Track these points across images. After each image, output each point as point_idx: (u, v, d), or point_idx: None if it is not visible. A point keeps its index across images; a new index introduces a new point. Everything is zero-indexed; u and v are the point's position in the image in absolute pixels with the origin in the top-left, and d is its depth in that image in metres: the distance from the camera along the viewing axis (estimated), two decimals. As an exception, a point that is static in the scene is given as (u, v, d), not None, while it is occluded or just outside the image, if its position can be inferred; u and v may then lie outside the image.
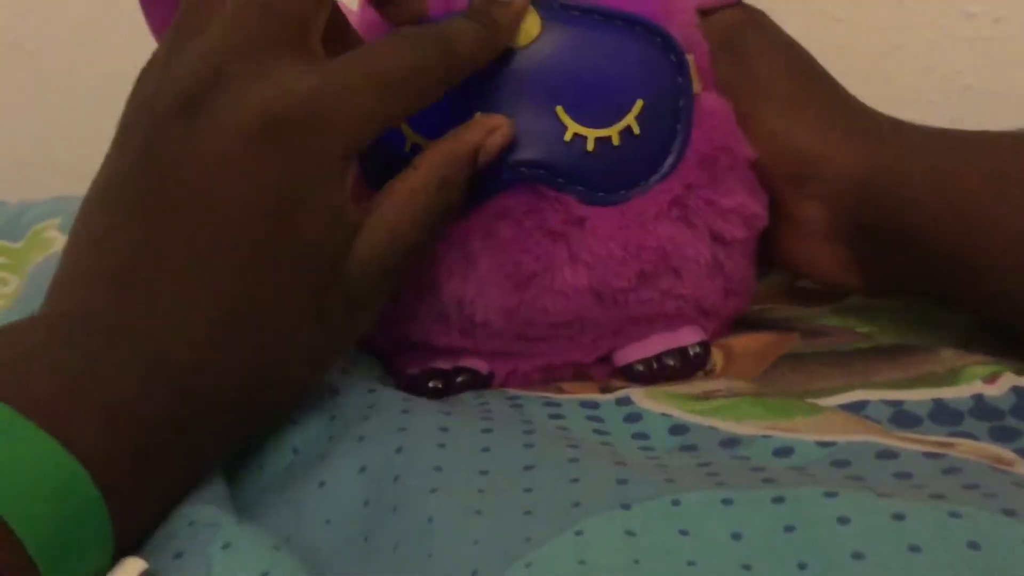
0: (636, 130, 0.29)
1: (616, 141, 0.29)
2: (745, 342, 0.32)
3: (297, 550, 0.22)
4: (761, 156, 0.32)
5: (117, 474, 0.21)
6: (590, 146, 0.29)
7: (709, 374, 0.31)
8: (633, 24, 0.29)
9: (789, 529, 0.20)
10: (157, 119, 0.23)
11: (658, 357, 0.31)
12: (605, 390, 0.30)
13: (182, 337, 0.23)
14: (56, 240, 0.51)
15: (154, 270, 0.23)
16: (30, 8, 0.78)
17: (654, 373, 0.31)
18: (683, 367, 0.31)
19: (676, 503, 0.21)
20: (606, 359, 0.31)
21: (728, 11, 0.34)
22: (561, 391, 0.30)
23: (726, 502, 0.21)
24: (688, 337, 0.31)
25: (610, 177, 0.29)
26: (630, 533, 0.20)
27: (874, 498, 0.20)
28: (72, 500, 0.19)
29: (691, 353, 0.31)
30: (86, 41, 0.77)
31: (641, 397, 0.28)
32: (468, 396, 0.29)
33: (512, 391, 0.30)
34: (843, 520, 0.20)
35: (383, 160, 0.28)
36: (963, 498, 0.21)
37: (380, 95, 0.24)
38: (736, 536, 0.20)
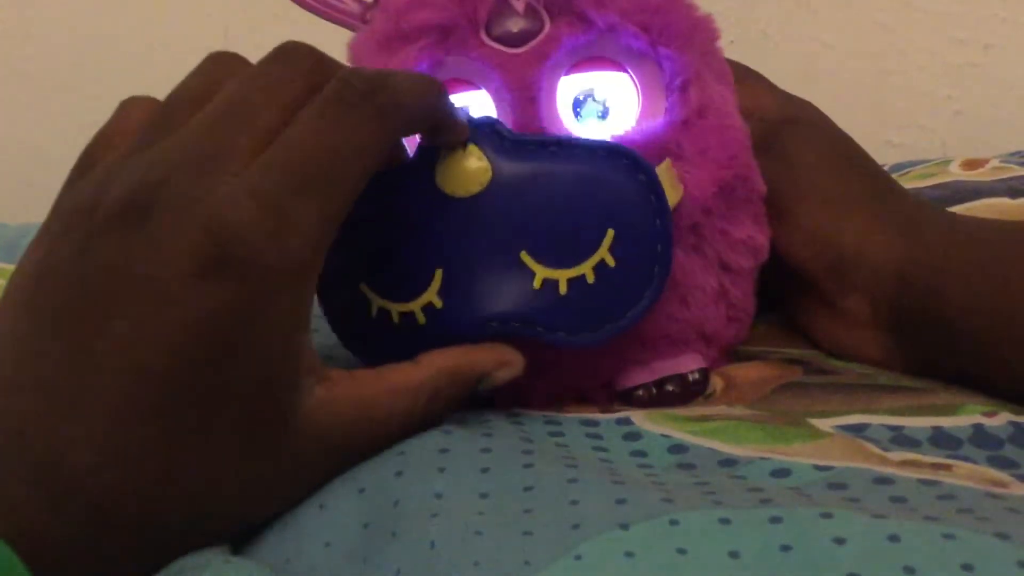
0: (611, 262, 0.27)
1: (591, 279, 0.27)
2: (746, 371, 0.33)
3: (296, 573, 0.22)
4: (802, 251, 0.33)
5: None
6: (563, 289, 0.27)
7: (708, 399, 0.32)
8: (593, 150, 0.27)
9: (786, 548, 0.20)
10: (96, 225, 0.22)
11: (658, 382, 0.31)
12: (605, 412, 0.30)
13: (94, 466, 0.21)
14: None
15: (75, 383, 0.21)
16: (34, 33, 0.79)
17: (654, 398, 0.31)
18: (683, 393, 0.31)
19: (675, 523, 0.21)
20: (606, 385, 0.32)
21: (774, 104, 0.35)
22: (562, 411, 0.30)
23: (724, 521, 0.21)
24: (688, 364, 0.31)
25: (589, 316, 0.27)
26: (629, 554, 0.20)
27: (869, 519, 0.20)
28: None
29: (690, 379, 0.31)
30: (90, 66, 0.77)
31: (641, 418, 0.28)
32: (468, 414, 0.29)
33: (512, 411, 0.30)
34: (839, 540, 0.20)
35: (352, 325, 0.28)
36: (957, 521, 0.21)
37: (320, 198, 0.22)
38: (734, 555, 0.20)
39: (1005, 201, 0.44)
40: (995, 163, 0.49)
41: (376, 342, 0.28)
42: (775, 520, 0.21)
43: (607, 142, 0.28)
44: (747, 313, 0.33)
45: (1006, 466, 0.25)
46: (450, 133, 0.27)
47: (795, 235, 0.33)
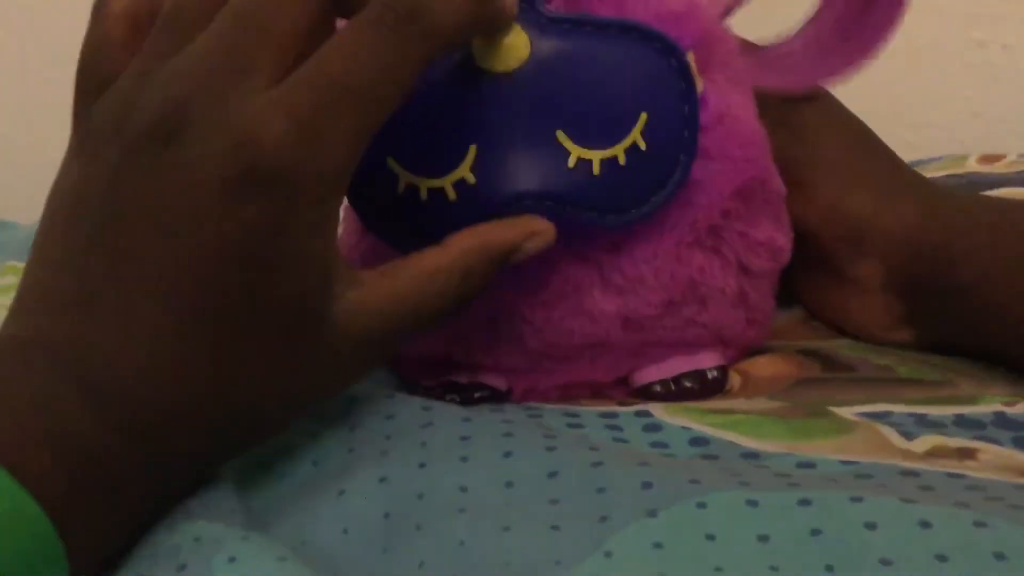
0: (643, 146, 0.27)
1: (623, 160, 0.27)
2: (762, 367, 0.33)
3: (311, 556, 0.22)
4: (817, 220, 0.34)
5: (70, 502, 0.20)
6: (596, 169, 0.27)
7: (726, 394, 0.31)
8: (628, 31, 0.27)
9: (816, 532, 0.20)
10: (125, 144, 0.22)
11: (676, 379, 0.31)
12: (623, 405, 0.30)
13: (136, 374, 0.22)
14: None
15: (115, 302, 0.22)
16: (46, 34, 0.80)
17: (672, 394, 0.30)
18: (701, 389, 0.31)
19: (702, 505, 0.21)
20: (624, 380, 0.31)
21: None
22: (579, 404, 0.30)
23: (751, 503, 0.21)
24: (707, 360, 0.31)
25: (620, 197, 0.27)
26: (658, 545, 0.20)
27: (900, 504, 0.20)
28: (23, 530, 0.19)
29: (709, 376, 0.31)
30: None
31: (660, 411, 0.28)
32: (486, 407, 0.29)
33: (530, 404, 0.30)
34: (870, 525, 0.20)
35: (376, 203, 0.27)
36: (988, 508, 0.21)
37: (352, 114, 0.22)
38: (763, 539, 0.20)
39: (1022, 191, 0.44)
40: (1012, 158, 0.49)
41: (400, 220, 0.27)
42: (804, 503, 0.20)
43: (641, 24, 0.28)
44: (766, 315, 0.33)
45: None
46: (495, 24, 0.26)
47: (810, 204, 0.33)
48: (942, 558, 0.19)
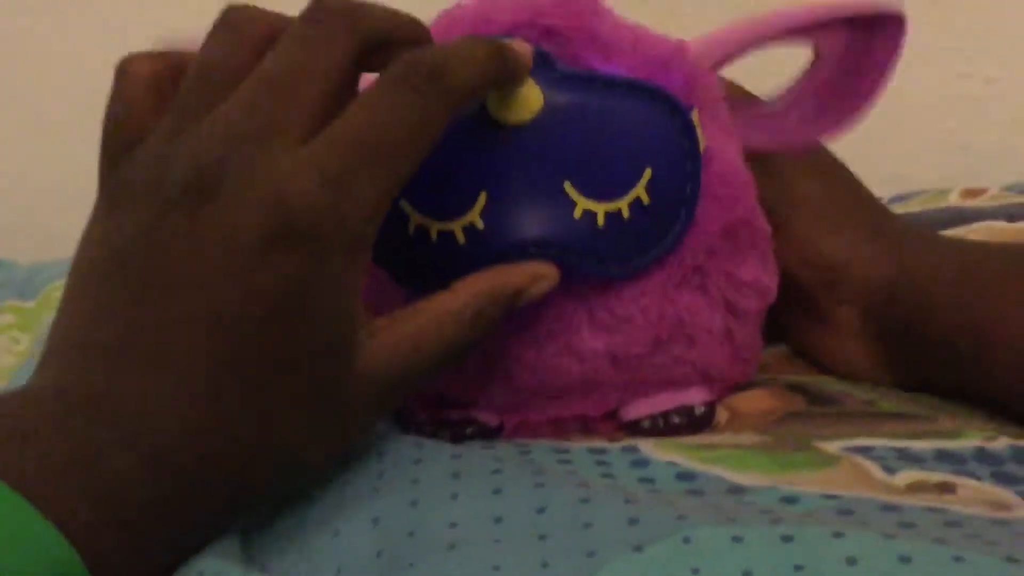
0: (646, 200, 0.28)
1: (626, 214, 0.28)
2: (749, 402, 0.33)
3: None
4: (795, 263, 0.34)
5: (107, 554, 0.21)
6: (600, 221, 0.28)
7: (713, 428, 0.32)
8: (636, 89, 0.28)
9: (798, 568, 0.20)
10: (162, 202, 0.23)
11: (664, 414, 0.31)
12: (612, 441, 0.30)
13: (180, 424, 0.22)
14: (67, 299, 0.52)
15: (153, 354, 0.22)
16: (45, 74, 0.80)
17: (660, 430, 0.31)
18: (689, 425, 0.31)
19: (687, 540, 0.21)
20: (613, 413, 0.32)
21: None
22: (569, 440, 0.30)
23: (736, 540, 0.21)
24: (695, 396, 0.32)
25: (621, 249, 0.28)
26: None
27: (880, 539, 0.20)
28: None
29: (697, 412, 0.31)
30: (96, 104, 0.78)
31: (648, 446, 0.29)
32: (477, 444, 0.30)
33: (520, 440, 0.30)
34: (851, 561, 0.20)
35: (387, 241, 0.28)
36: (966, 545, 0.21)
37: (380, 171, 0.23)
38: (747, 574, 0.20)
39: (1002, 224, 0.45)
40: (995, 191, 0.50)
41: (410, 259, 0.28)
42: (787, 539, 0.21)
43: (649, 84, 0.29)
44: (753, 353, 0.33)
45: (1010, 482, 0.26)
46: (512, 80, 0.27)
47: (788, 247, 0.34)
48: (921, 592, 0.19)
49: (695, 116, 0.29)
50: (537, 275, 0.27)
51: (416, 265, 0.28)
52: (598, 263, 0.28)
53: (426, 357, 0.26)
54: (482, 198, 0.27)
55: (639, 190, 0.28)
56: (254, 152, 0.23)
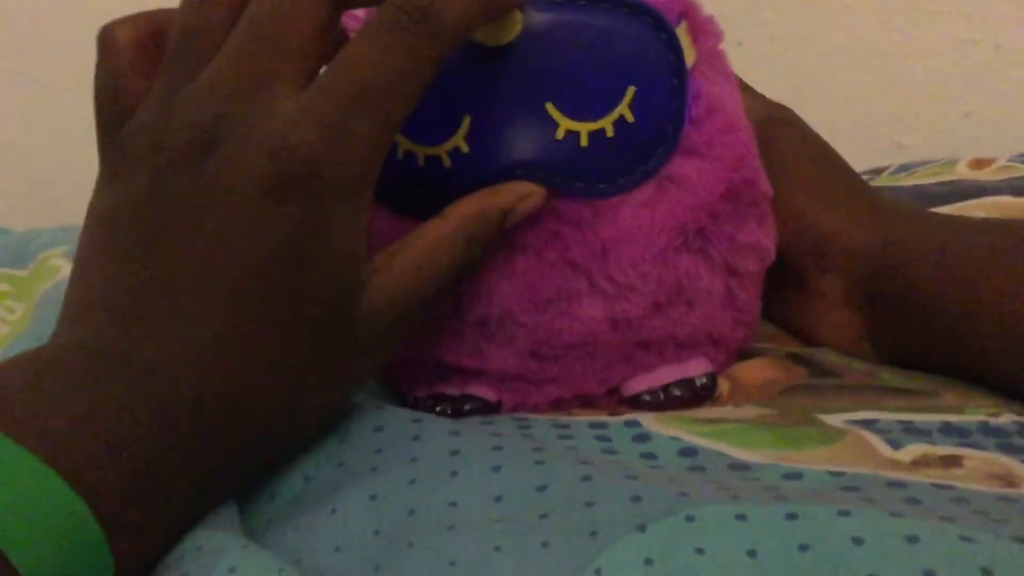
0: (630, 118, 0.28)
1: (610, 133, 0.28)
2: (752, 374, 0.33)
3: (306, 574, 0.22)
4: (785, 234, 0.34)
5: (121, 509, 0.21)
6: (584, 141, 0.28)
7: (715, 401, 0.31)
8: (618, 5, 0.28)
9: (804, 548, 0.20)
10: (163, 161, 0.24)
11: (665, 388, 0.31)
12: (613, 415, 0.30)
13: (190, 374, 0.23)
14: (62, 268, 0.52)
15: (164, 307, 0.23)
16: (40, 40, 0.79)
17: (661, 403, 0.31)
18: (690, 398, 0.31)
19: (691, 519, 0.21)
20: (614, 391, 0.31)
21: (757, 105, 0.36)
22: (569, 415, 0.30)
23: (740, 517, 0.21)
24: (695, 368, 0.31)
25: (607, 168, 0.28)
26: (648, 562, 0.20)
27: (887, 517, 0.20)
28: (74, 537, 0.20)
29: (698, 384, 0.31)
30: (92, 70, 0.77)
31: (649, 420, 0.28)
32: (476, 419, 0.29)
33: (519, 415, 0.30)
34: (857, 540, 0.20)
35: (397, 175, 0.28)
36: (973, 522, 0.21)
37: (375, 115, 0.24)
38: (751, 554, 0.20)
39: (1007, 199, 0.44)
40: (1001, 163, 0.49)
41: (400, 186, 0.28)
42: (791, 517, 0.20)
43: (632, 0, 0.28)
44: (754, 316, 0.33)
45: (1015, 452, 0.26)
46: (502, 12, 0.27)
47: (777, 216, 0.34)
48: (929, 574, 0.19)
49: (682, 31, 0.29)
50: (523, 194, 0.27)
51: (406, 191, 0.29)
52: (584, 184, 0.28)
53: (425, 286, 0.26)
54: (466, 122, 0.28)
55: (622, 108, 0.28)
56: (249, 105, 0.23)
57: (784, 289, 0.36)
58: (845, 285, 0.34)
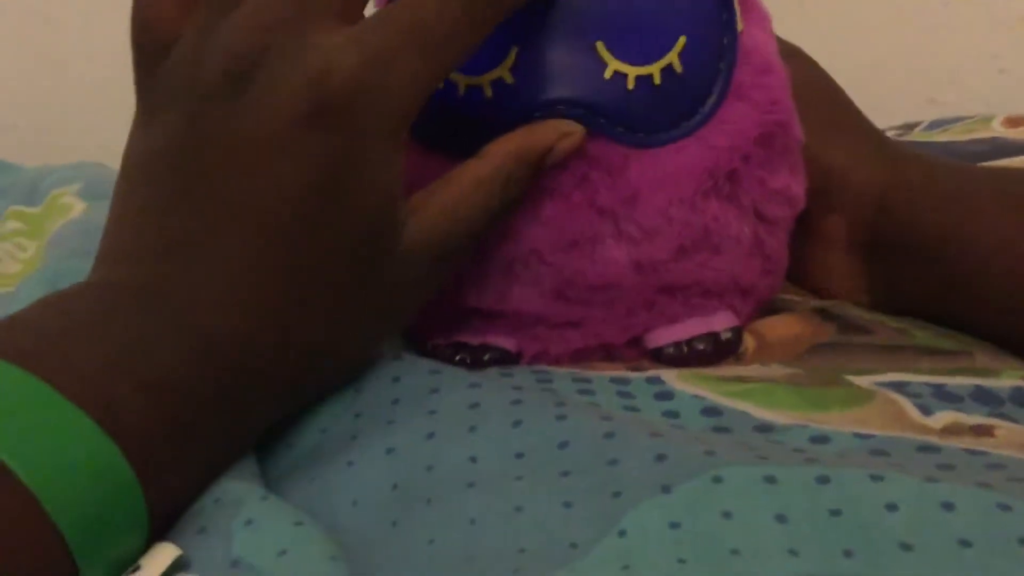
0: (678, 68, 0.28)
1: (657, 80, 0.27)
2: (778, 330, 0.32)
3: (323, 528, 0.22)
4: None
5: (156, 453, 0.20)
6: (630, 84, 0.27)
7: (740, 358, 0.31)
8: None
9: (835, 513, 0.19)
10: (198, 97, 0.23)
11: (689, 341, 0.30)
12: (635, 370, 0.29)
13: (229, 312, 0.23)
14: (73, 206, 0.51)
15: (202, 244, 0.23)
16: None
17: (685, 357, 0.30)
18: (715, 352, 0.30)
19: (718, 480, 0.20)
20: (636, 342, 0.31)
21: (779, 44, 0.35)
22: (590, 368, 0.29)
23: (769, 479, 0.20)
24: (721, 322, 0.31)
25: (651, 117, 0.28)
26: (674, 525, 0.19)
27: (921, 483, 0.20)
28: (108, 482, 0.19)
29: (723, 338, 0.30)
30: (105, 6, 0.76)
31: (672, 377, 0.27)
32: (495, 370, 0.29)
33: (539, 367, 0.29)
34: (891, 506, 0.19)
35: (434, 105, 0.27)
36: (1011, 489, 0.20)
37: (425, 56, 0.23)
38: (781, 518, 0.19)
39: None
40: (1037, 120, 0.48)
41: (438, 116, 0.28)
42: (822, 480, 0.20)
43: None
44: (781, 264, 0.32)
45: None
46: None
47: None
48: (965, 543, 0.18)
49: None
50: (564, 132, 0.27)
51: (443, 123, 0.28)
52: (624, 130, 0.28)
53: (464, 227, 0.26)
54: (512, 53, 0.27)
55: (672, 56, 0.28)
56: (290, 35, 0.23)
57: None
58: (848, 227, 0.34)
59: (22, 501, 0.18)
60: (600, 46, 0.27)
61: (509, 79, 0.27)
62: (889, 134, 0.38)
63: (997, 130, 0.48)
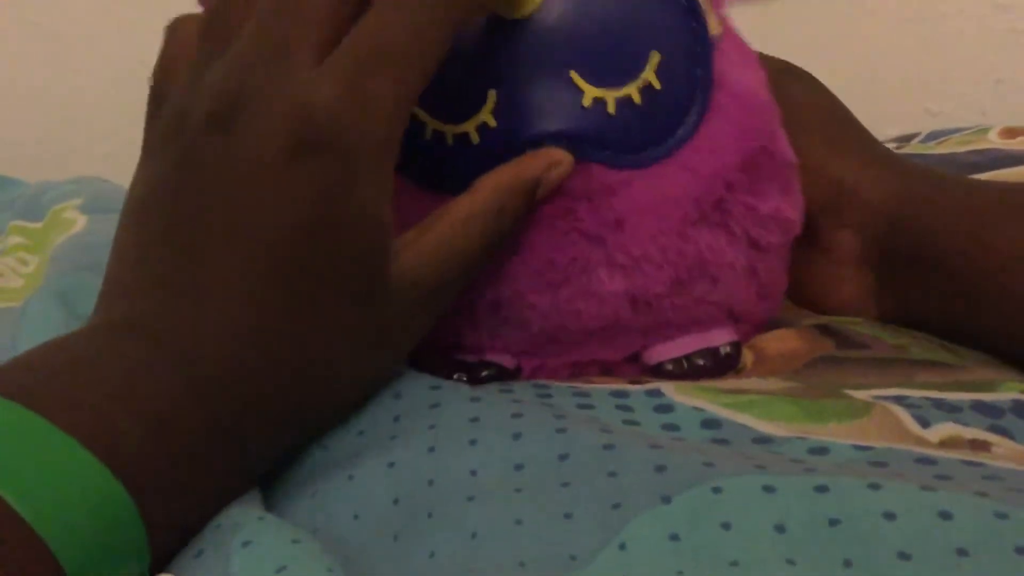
0: (656, 85, 0.28)
1: (637, 99, 0.28)
2: (777, 345, 0.32)
3: (323, 543, 0.22)
4: (802, 188, 0.34)
5: (157, 484, 0.21)
6: (611, 108, 0.27)
7: (739, 372, 0.31)
8: None
9: (834, 523, 0.19)
10: (189, 135, 0.24)
11: (688, 357, 0.30)
12: (634, 383, 0.29)
13: (224, 344, 0.23)
14: (76, 221, 0.51)
15: (196, 280, 0.23)
16: (51, -11, 0.78)
17: (684, 372, 0.30)
18: (714, 367, 0.30)
19: (717, 490, 0.20)
20: (635, 357, 0.31)
21: (770, 61, 0.36)
22: (590, 383, 0.29)
23: (768, 489, 0.20)
24: (719, 337, 0.31)
25: (636, 137, 0.28)
26: (674, 537, 0.19)
27: (919, 491, 0.20)
28: (107, 515, 0.19)
29: (722, 353, 0.30)
30: (106, 20, 0.76)
31: (672, 390, 0.28)
32: (494, 385, 0.29)
33: (539, 381, 0.29)
34: (889, 516, 0.19)
35: (407, 151, 0.27)
36: (1008, 499, 0.20)
37: (397, 77, 0.24)
38: (779, 528, 0.19)
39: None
40: (1034, 132, 0.48)
41: (430, 166, 0.28)
42: (821, 489, 0.20)
43: None
44: (778, 289, 0.32)
45: None
46: None
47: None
48: (962, 552, 0.18)
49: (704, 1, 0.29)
50: (552, 162, 0.27)
51: (436, 171, 0.28)
52: (612, 153, 0.28)
53: (458, 261, 0.26)
54: (492, 96, 0.27)
55: (648, 74, 0.28)
56: (270, 72, 0.23)
57: (795, 244, 0.35)
58: (859, 241, 0.34)
59: (21, 535, 0.18)
60: (575, 75, 0.27)
61: (492, 122, 0.27)
62: (888, 145, 0.38)
63: (994, 141, 0.48)
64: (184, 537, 0.22)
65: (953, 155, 0.47)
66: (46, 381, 0.21)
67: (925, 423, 0.26)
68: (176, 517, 0.21)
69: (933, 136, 0.52)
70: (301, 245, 0.23)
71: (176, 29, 0.27)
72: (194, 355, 0.22)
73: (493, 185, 0.26)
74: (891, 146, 0.52)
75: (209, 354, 0.22)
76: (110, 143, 0.72)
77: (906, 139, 0.53)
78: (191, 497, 0.22)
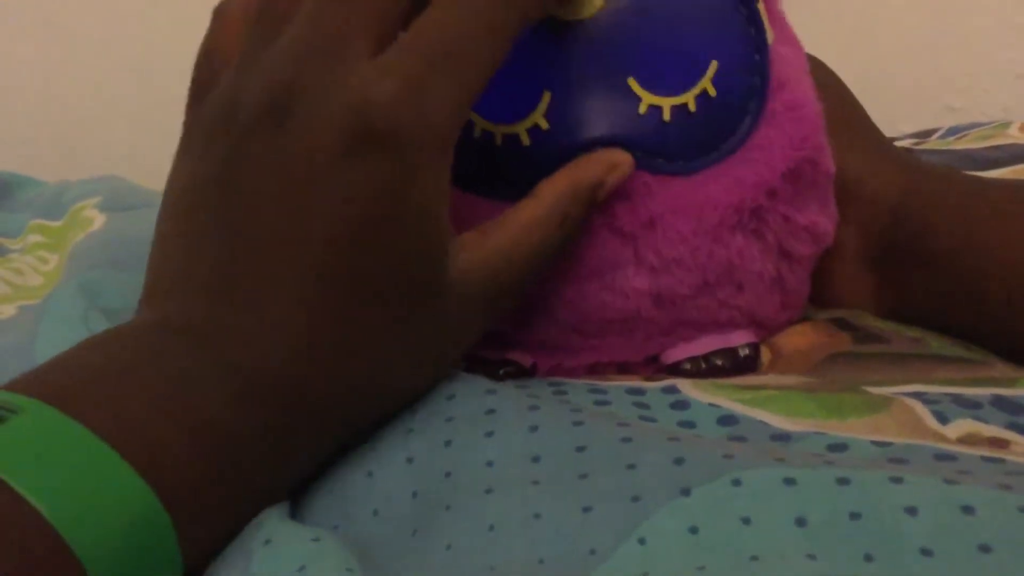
0: (712, 93, 0.27)
1: (692, 107, 0.27)
2: (794, 341, 0.32)
3: (345, 539, 0.22)
4: None
5: (196, 497, 0.20)
6: (666, 116, 0.27)
7: (757, 371, 0.31)
8: None
9: (855, 516, 0.19)
10: (239, 130, 0.23)
11: (707, 356, 0.30)
12: (650, 380, 0.29)
13: (275, 352, 0.22)
14: (94, 219, 0.52)
15: (248, 281, 0.22)
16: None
17: (702, 372, 0.30)
18: (732, 368, 0.30)
19: (737, 483, 0.20)
20: (653, 358, 0.31)
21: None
22: (605, 380, 0.29)
23: (789, 482, 0.20)
24: (739, 338, 0.31)
25: (689, 144, 0.28)
26: (693, 530, 0.19)
27: (941, 484, 0.19)
28: (141, 529, 0.19)
29: (741, 354, 0.30)
30: (124, 20, 0.77)
31: (688, 387, 0.27)
32: (511, 383, 0.29)
33: (554, 379, 0.29)
34: (911, 510, 0.19)
35: (455, 152, 0.28)
36: (1033, 494, 0.20)
37: (457, 77, 0.23)
38: (800, 522, 0.19)
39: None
40: (1057, 126, 0.47)
41: (478, 165, 0.28)
42: (842, 482, 0.20)
43: None
44: (801, 299, 0.32)
45: None
46: None
47: None
48: (985, 549, 0.18)
49: (761, 7, 0.28)
50: (612, 164, 0.27)
51: (484, 172, 0.28)
52: (665, 160, 0.27)
53: (518, 267, 0.26)
54: (546, 98, 0.27)
55: (705, 83, 0.27)
56: (326, 65, 0.22)
57: None
58: (862, 237, 0.34)
59: (51, 545, 0.18)
60: (632, 82, 0.27)
61: (545, 125, 0.27)
62: (906, 142, 0.38)
63: (1015, 136, 0.48)
64: (218, 547, 0.21)
65: (972, 151, 0.47)
66: (86, 385, 0.20)
67: (944, 419, 0.25)
68: (214, 531, 0.21)
69: (953, 131, 0.52)
70: (359, 246, 0.22)
71: (223, 14, 0.26)
72: (243, 362, 0.22)
73: (556, 191, 0.26)
74: (911, 142, 0.51)
75: (258, 361, 0.22)
76: (130, 142, 0.72)
77: (926, 135, 0.53)
78: (230, 511, 0.21)
